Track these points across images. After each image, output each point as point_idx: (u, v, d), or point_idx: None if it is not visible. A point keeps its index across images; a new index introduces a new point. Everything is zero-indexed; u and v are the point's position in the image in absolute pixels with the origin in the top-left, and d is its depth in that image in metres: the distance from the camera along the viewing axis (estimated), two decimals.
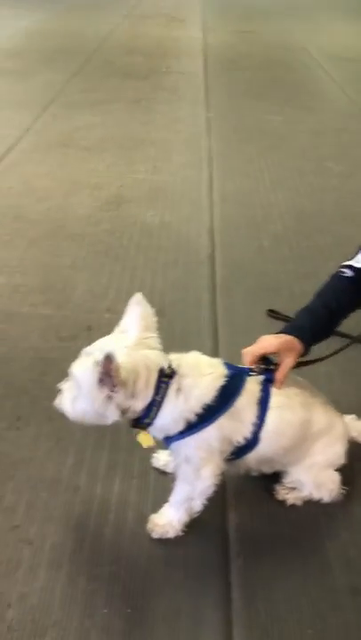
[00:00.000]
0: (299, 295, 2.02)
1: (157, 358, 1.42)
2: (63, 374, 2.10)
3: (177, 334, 2.36)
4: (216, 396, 1.43)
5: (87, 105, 4.96)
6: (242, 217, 3.28)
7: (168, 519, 1.56)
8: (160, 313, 2.42)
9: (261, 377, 1.53)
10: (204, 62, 6.39)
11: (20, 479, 1.73)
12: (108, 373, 1.31)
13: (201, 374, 1.45)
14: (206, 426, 1.43)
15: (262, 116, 4.83)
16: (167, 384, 1.41)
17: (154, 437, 1.49)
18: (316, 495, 1.65)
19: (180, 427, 1.42)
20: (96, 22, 8.17)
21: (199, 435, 1.43)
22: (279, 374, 1.53)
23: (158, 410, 1.41)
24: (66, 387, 1.45)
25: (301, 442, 1.58)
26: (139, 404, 1.40)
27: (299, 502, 1.67)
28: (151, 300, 2.51)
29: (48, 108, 4.86)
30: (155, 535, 1.56)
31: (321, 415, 1.60)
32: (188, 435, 1.43)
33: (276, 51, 7.02)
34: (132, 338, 1.41)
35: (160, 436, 1.48)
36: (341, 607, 1.43)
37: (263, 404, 1.50)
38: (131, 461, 1.79)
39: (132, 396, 1.37)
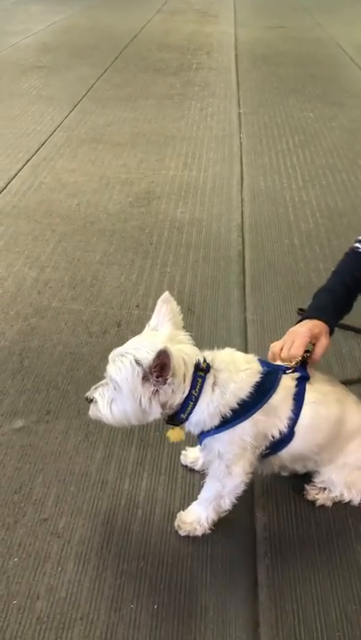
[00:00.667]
0: None
1: (193, 352, 1.42)
2: (93, 369, 2.14)
3: (206, 332, 2.35)
4: (252, 392, 1.43)
5: (119, 100, 4.97)
6: (273, 214, 3.26)
7: (196, 517, 1.56)
8: (189, 310, 2.47)
9: (296, 374, 1.52)
10: (236, 58, 6.35)
11: (49, 473, 1.75)
12: (165, 367, 1.31)
13: (237, 369, 1.45)
14: (241, 421, 1.43)
15: (294, 113, 4.78)
16: (203, 378, 1.40)
17: (189, 432, 1.49)
18: (346, 496, 1.63)
19: (216, 422, 1.42)
20: (128, 18, 8.18)
21: (234, 430, 1.43)
22: (316, 355, 1.58)
23: (195, 404, 1.41)
24: (97, 394, 1.43)
25: (335, 439, 1.56)
26: (177, 399, 1.39)
27: (329, 503, 1.65)
28: (180, 297, 2.54)
29: (80, 104, 4.88)
30: (182, 533, 1.57)
31: (355, 414, 1.59)
32: (223, 430, 1.43)
33: (308, 46, 6.94)
34: (165, 334, 1.41)
35: (195, 431, 1.47)
36: None
37: (298, 398, 1.50)
38: (159, 458, 1.80)
39: (171, 389, 1.37)
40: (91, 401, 1.45)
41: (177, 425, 1.46)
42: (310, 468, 1.64)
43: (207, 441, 1.47)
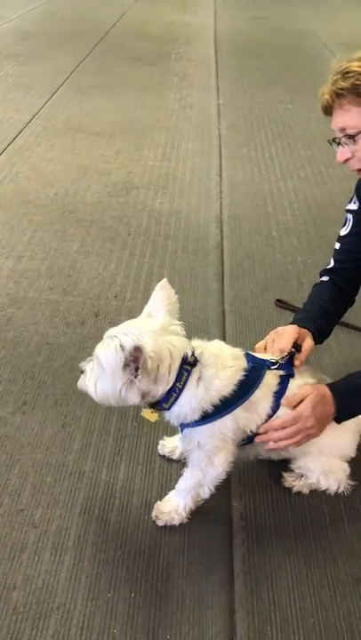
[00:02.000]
0: (307, 286, 2.00)
1: (181, 345, 1.41)
2: (70, 360, 2.13)
3: (184, 323, 2.35)
4: (235, 390, 1.44)
5: (97, 89, 4.92)
6: (251, 206, 3.26)
7: (174, 506, 1.57)
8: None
9: (281, 371, 1.54)
10: (215, 48, 6.33)
11: (26, 463, 1.74)
12: (136, 361, 1.31)
13: (223, 365, 1.45)
14: (222, 417, 1.44)
15: (273, 104, 4.79)
16: (189, 372, 1.41)
17: (168, 422, 1.50)
18: (323, 483, 1.65)
19: (197, 416, 1.43)
20: (107, 6, 8.09)
21: (214, 424, 1.44)
22: (302, 355, 1.61)
23: (178, 397, 1.41)
24: (88, 367, 1.44)
25: None
26: (159, 390, 1.40)
27: (305, 490, 1.67)
28: None
29: (58, 92, 4.83)
30: (160, 523, 1.57)
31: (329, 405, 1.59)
32: (203, 424, 1.43)
33: (288, 37, 6.94)
34: (158, 323, 1.41)
35: (176, 422, 1.48)
36: (345, 596, 1.44)
37: (279, 396, 1.51)
38: (136, 448, 1.80)
39: (154, 381, 1.38)
40: (82, 372, 1.46)
41: (158, 411, 1.47)
42: (285, 456, 1.66)
43: (187, 432, 1.48)
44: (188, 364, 1.40)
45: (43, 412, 1.91)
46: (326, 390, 1.55)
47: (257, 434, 1.51)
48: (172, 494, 1.59)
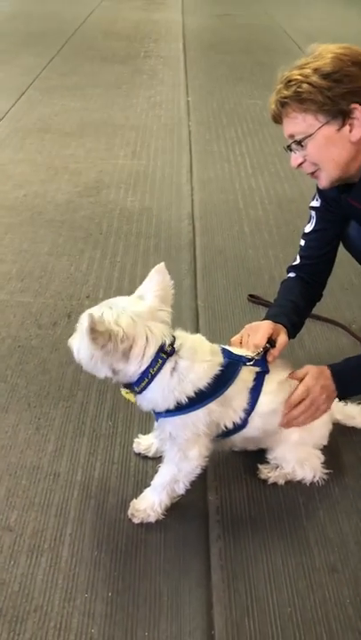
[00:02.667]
0: (279, 280, 2.02)
1: (159, 332, 1.42)
2: (43, 362, 2.12)
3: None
4: (210, 383, 1.45)
5: (66, 89, 4.89)
6: (223, 202, 3.27)
7: (149, 503, 1.57)
8: (141, 299, 2.46)
9: (257, 368, 1.56)
10: (184, 46, 6.33)
11: (0, 467, 1.72)
12: (93, 331, 1.32)
13: (200, 360, 1.46)
14: (195, 409, 1.45)
15: (242, 100, 4.80)
16: (164, 360, 1.42)
17: (141, 407, 1.51)
18: (299, 473, 1.67)
19: (170, 405, 1.44)
20: (74, 5, 8.05)
21: (187, 416, 1.45)
22: (276, 350, 1.64)
23: (149, 382, 1.42)
24: (78, 329, 1.44)
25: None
26: (130, 369, 1.41)
27: (281, 481, 1.69)
28: (131, 286, 2.50)
29: (26, 93, 4.79)
30: (136, 520, 1.57)
31: None
32: (177, 414, 1.45)
33: (256, 34, 6.97)
34: (146, 305, 1.42)
35: (147, 407, 1.49)
36: (320, 585, 1.45)
37: (255, 391, 1.53)
38: (111, 447, 1.79)
39: (126, 360, 1.39)
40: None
41: (132, 392, 1.48)
42: (263, 446, 1.68)
43: (161, 421, 1.49)
44: (165, 353, 1.42)
45: (16, 414, 1.90)
46: (325, 368, 1.65)
47: (232, 430, 1.53)
48: (147, 491, 1.59)
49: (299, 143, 1.59)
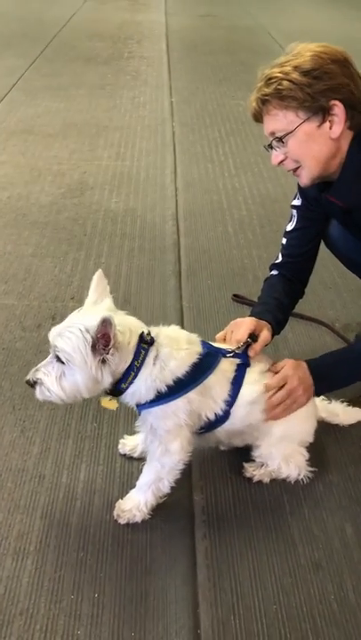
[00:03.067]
0: (263, 279, 2.03)
1: (137, 323, 1.45)
2: (27, 364, 2.11)
3: (143, 320, 2.35)
4: (188, 371, 1.47)
5: (49, 91, 4.88)
6: (207, 202, 3.28)
7: (135, 503, 1.57)
8: (125, 300, 2.47)
9: (238, 360, 1.58)
10: (167, 46, 6.34)
11: None
12: (106, 337, 1.33)
13: (178, 347, 1.48)
14: (175, 398, 1.46)
15: (225, 101, 4.82)
16: (146, 350, 1.43)
17: (124, 403, 1.51)
18: (284, 470, 1.68)
19: (151, 395, 1.45)
20: (56, 5, 8.02)
21: (167, 405, 1.45)
22: (258, 345, 1.66)
23: (136, 375, 1.43)
24: (41, 374, 1.42)
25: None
26: (119, 368, 1.42)
27: (266, 479, 1.70)
28: (116, 287, 2.54)
29: (9, 94, 4.77)
30: (122, 521, 1.57)
31: None
32: (157, 404, 1.45)
33: (239, 34, 6.99)
34: (107, 306, 1.44)
35: (131, 402, 1.49)
36: (305, 582, 1.47)
37: (236, 383, 1.55)
38: (97, 449, 1.80)
39: (121, 357, 1.40)
40: (33, 384, 1.43)
41: (116, 396, 1.48)
42: (248, 442, 1.68)
43: (143, 414, 1.50)
44: (145, 343, 1.43)
45: (1, 417, 1.89)
46: (302, 361, 1.68)
47: (214, 422, 1.54)
48: (132, 492, 1.60)
49: (280, 140, 1.61)
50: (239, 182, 3.51)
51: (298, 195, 1.91)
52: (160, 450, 1.50)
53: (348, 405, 1.87)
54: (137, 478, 1.61)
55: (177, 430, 1.48)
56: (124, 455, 1.77)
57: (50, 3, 8.23)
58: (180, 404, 1.46)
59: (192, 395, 1.47)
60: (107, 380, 1.40)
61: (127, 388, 1.45)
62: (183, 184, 3.48)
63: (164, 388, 1.44)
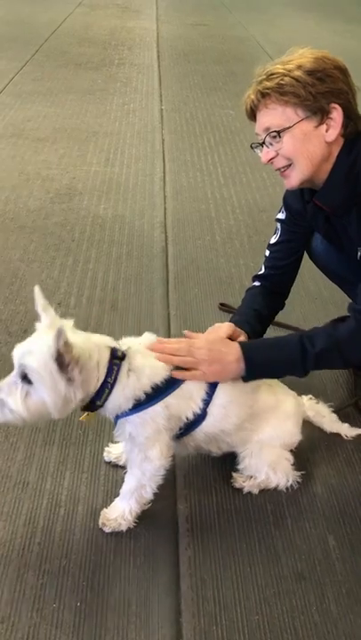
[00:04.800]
0: None
1: (102, 340, 1.45)
2: (12, 369, 2.09)
3: (129, 328, 2.36)
4: (166, 378, 1.47)
5: (39, 95, 4.87)
6: (195, 211, 3.30)
7: (120, 512, 1.57)
8: (113, 306, 2.47)
9: None
10: (158, 54, 6.36)
11: None
12: (62, 352, 1.30)
13: (152, 355, 1.48)
14: (152, 404, 1.46)
15: (215, 110, 4.85)
16: (119, 366, 1.43)
17: (104, 417, 1.51)
18: (273, 478, 1.68)
19: (130, 404, 1.45)
20: (48, 10, 8.02)
21: (145, 412, 1.45)
22: None
23: (110, 391, 1.42)
24: (3, 394, 1.36)
25: (248, 418, 1.61)
26: (91, 386, 1.40)
27: (255, 490, 1.70)
28: (104, 293, 2.54)
29: None
30: (107, 530, 1.57)
31: (265, 394, 1.65)
32: (135, 412, 1.45)
33: (229, 44, 7.04)
34: (67, 327, 1.39)
35: (111, 415, 1.49)
36: (287, 593, 1.47)
37: (212, 385, 1.55)
38: (81, 456, 1.79)
39: (83, 379, 1.37)
40: None
41: (92, 411, 1.47)
42: (225, 449, 1.67)
43: (120, 423, 1.49)
44: (117, 359, 1.43)
45: None
46: (235, 343, 1.61)
47: (192, 423, 1.54)
48: (116, 500, 1.59)
49: (276, 135, 1.59)
50: (227, 191, 3.53)
51: (283, 208, 1.93)
52: (140, 457, 1.50)
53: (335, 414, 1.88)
54: (121, 486, 1.61)
55: (156, 436, 1.48)
56: (109, 463, 1.77)
57: (41, 7, 8.23)
58: (158, 410, 1.46)
59: (170, 399, 1.48)
60: (78, 398, 1.38)
61: (103, 404, 1.44)
62: (172, 192, 3.49)
63: (142, 397, 1.45)
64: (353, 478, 1.79)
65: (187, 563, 1.52)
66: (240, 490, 1.71)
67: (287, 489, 1.71)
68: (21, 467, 1.74)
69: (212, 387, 1.55)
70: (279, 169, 1.67)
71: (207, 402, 1.54)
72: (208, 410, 1.54)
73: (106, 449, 1.79)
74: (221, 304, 2.51)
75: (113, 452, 1.78)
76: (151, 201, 3.37)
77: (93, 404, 1.44)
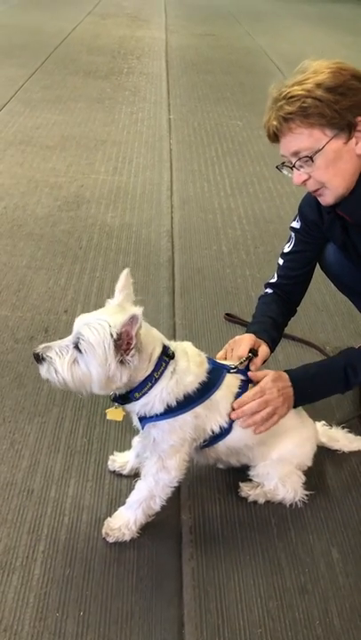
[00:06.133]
0: (255, 300, 2.04)
1: (160, 336, 1.47)
2: (19, 376, 2.11)
3: None
4: (198, 388, 1.49)
5: (48, 103, 4.91)
6: (202, 221, 3.31)
7: (124, 521, 1.57)
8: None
9: (241, 376, 1.61)
10: (166, 63, 6.41)
11: None
12: (129, 337, 1.33)
13: (194, 363, 1.50)
14: (182, 413, 1.47)
15: (223, 120, 4.88)
16: (167, 363, 1.44)
17: (131, 413, 1.52)
18: (281, 490, 1.68)
19: (161, 409, 1.46)
20: (58, 19, 8.09)
21: (175, 420, 1.47)
22: (258, 359, 1.71)
23: (152, 386, 1.44)
24: (53, 353, 1.40)
25: (269, 436, 1.62)
26: (138, 375, 1.42)
27: (261, 500, 1.70)
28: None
29: (7, 105, 4.79)
30: (110, 540, 1.57)
31: (292, 413, 1.66)
32: (164, 418, 1.46)
33: (237, 54, 7.09)
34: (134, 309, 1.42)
35: (139, 413, 1.49)
36: (291, 606, 1.47)
37: (239, 397, 1.57)
38: (86, 464, 1.79)
39: (136, 365, 1.38)
40: (41, 360, 1.40)
41: (124, 403, 1.48)
42: (244, 462, 1.69)
43: (148, 426, 1.50)
44: (167, 356, 1.45)
45: None
46: (283, 373, 1.67)
47: (218, 435, 1.55)
48: (121, 509, 1.59)
49: (306, 160, 1.56)
50: (234, 202, 3.55)
51: (298, 217, 1.92)
52: (157, 466, 1.51)
53: (347, 431, 1.90)
54: (126, 496, 1.61)
55: (179, 446, 1.50)
56: (114, 472, 1.77)
57: (51, 16, 8.30)
58: (187, 419, 1.48)
59: (199, 409, 1.49)
60: (122, 381, 1.39)
61: (140, 397, 1.45)
62: (179, 201, 3.51)
63: (174, 403, 1.46)
64: (357, 491, 1.79)
65: (190, 574, 1.52)
66: (244, 501, 1.71)
67: (298, 503, 1.71)
68: (26, 474, 1.75)
69: None
70: (312, 191, 1.65)
71: None
72: (234, 424, 1.55)
73: (110, 457, 1.79)
74: (227, 314, 2.52)
75: (118, 460, 1.78)
76: (158, 210, 3.39)
77: (131, 394, 1.45)
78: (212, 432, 1.54)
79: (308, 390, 1.69)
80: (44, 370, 1.41)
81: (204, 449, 1.59)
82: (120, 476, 1.76)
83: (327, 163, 1.56)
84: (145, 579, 1.50)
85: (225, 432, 1.56)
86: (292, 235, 1.95)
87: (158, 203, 3.47)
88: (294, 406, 1.68)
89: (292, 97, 1.53)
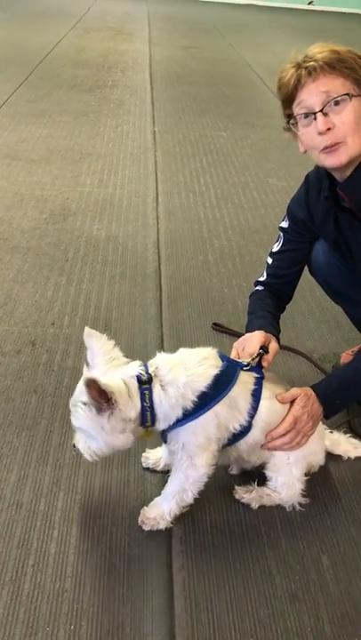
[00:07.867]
0: (242, 309, 2.07)
1: (131, 371, 1.48)
2: (6, 390, 2.11)
3: (123, 348, 2.32)
4: (210, 384, 1.50)
5: (33, 117, 4.93)
6: (188, 231, 3.33)
7: (160, 511, 1.61)
8: (106, 327, 2.48)
9: (254, 373, 1.62)
10: (150, 76, 6.46)
11: None
12: (102, 394, 1.37)
13: (186, 368, 1.51)
14: (203, 412, 1.49)
15: (207, 132, 4.92)
16: (149, 389, 1.47)
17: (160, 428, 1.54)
18: (281, 492, 1.69)
19: (179, 413, 1.48)
20: (42, 33, 8.13)
21: (197, 421, 1.49)
22: (270, 356, 1.74)
23: (153, 412, 1.47)
24: (75, 441, 1.56)
25: None
26: (131, 414, 1.46)
27: (255, 504, 1.72)
28: (97, 313, 2.55)
29: None
30: (146, 527, 1.61)
31: None
32: (186, 422, 1.48)
33: (221, 66, 7.16)
34: (100, 370, 1.47)
35: (165, 425, 1.51)
36: (282, 614, 1.47)
37: (256, 394, 1.59)
38: (75, 477, 1.79)
39: (121, 410, 1.43)
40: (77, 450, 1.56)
41: (147, 429, 1.52)
42: (264, 458, 1.70)
43: (173, 433, 1.53)
44: (144, 383, 1.47)
45: None
46: (311, 391, 1.69)
47: (239, 434, 1.58)
48: (157, 500, 1.63)
49: (346, 97, 1.55)
50: (220, 212, 3.57)
51: (286, 217, 1.95)
52: (186, 464, 1.54)
53: (350, 435, 1.93)
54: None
55: (206, 445, 1.52)
56: (147, 469, 1.80)
57: (35, 30, 8.34)
58: (208, 418, 1.50)
59: (218, 407, 1.51)
60: (128, 425, 1.46)
61: (152, 423, 1.49)
62: (165, 212, 3.52)
63: (189, 405, 1.48)
64: (346, 498, 1.80)
65: (181, 584, 1.52)
66: (234, 510, 1.71)
67: (281, 508, 1.71)
68: (15, 488, 1.74)
69: (256, 400, 1.59)
70: (329, 144, 1.59)
71: (252, 414, 1.58)
72: (253, 422, 1.58)
73: (143, 455, 1.82)
74: (215, 324, 2.53)
75: (150, 457, 1.81)
76: (144, 221, 3.40)
77: (143, 425, 1.50)
78: (235, 429, 1.56)
79: (336, 402, 1.74)
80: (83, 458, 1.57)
81: (225, 448, 1.61)
82: (110, 488, 1.75)
83: (357, 115, 1.57)
84: (135, 590, 1.50)
85: (245, 430, 1.58)
86: (281, 234, 1.97)
87: (144, 214, 3.49)
88: (325, 418, 1.72)
89: (328, 50, 1.57)
